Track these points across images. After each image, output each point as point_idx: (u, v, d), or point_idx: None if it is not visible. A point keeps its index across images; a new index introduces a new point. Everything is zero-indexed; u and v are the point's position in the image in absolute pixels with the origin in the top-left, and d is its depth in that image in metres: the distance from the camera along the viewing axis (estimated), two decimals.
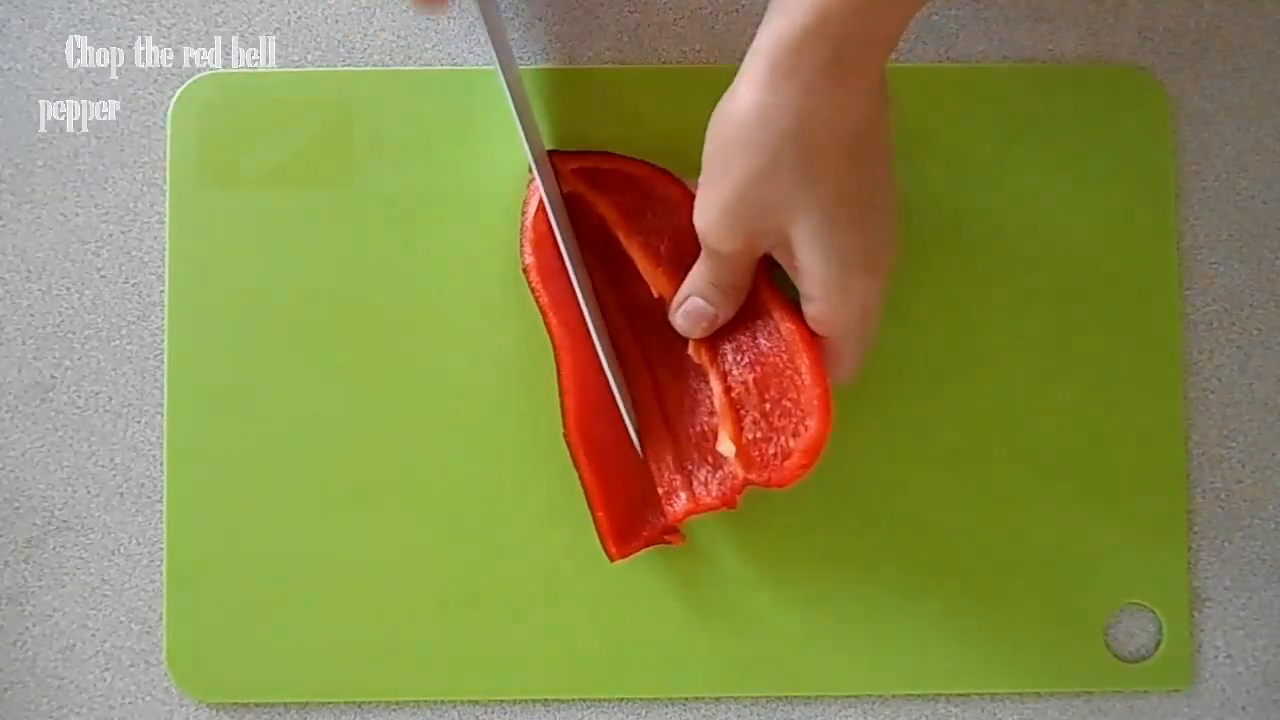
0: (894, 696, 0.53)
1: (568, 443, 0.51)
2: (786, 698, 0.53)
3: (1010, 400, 0.53)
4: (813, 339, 0.47)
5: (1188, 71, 0.55)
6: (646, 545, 0.51)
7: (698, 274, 0.49)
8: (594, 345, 0.51)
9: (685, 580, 0.52)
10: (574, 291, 0.51)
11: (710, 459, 0.51)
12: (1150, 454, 0.53)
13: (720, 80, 0.53)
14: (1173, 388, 0.53)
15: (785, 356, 0.48)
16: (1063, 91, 0.54)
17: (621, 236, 0.51)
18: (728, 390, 0.50)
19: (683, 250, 0.50)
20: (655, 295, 0.51)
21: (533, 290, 0.51)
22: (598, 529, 0.51)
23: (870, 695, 0.53)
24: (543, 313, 0.51)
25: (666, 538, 0.51)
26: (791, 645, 0.52)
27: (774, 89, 0.41)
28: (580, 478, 0.51)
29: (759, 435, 0.49)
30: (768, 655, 0.52)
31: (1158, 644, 0.53)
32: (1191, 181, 0.54)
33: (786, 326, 0.48)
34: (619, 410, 0.51)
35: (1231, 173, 0.54)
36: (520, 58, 0.54)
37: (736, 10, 0.55)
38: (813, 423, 0.47)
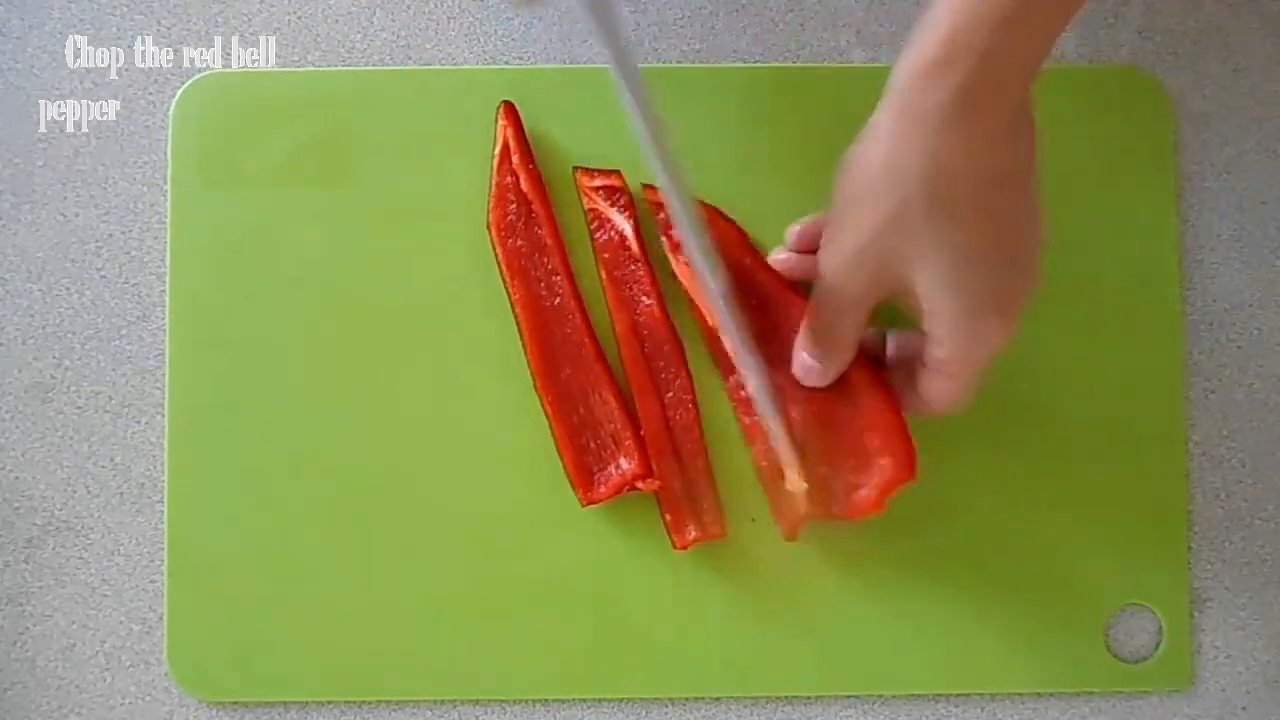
0: (894, 697, 0.53)
1: (538, 393, 0.51)
2: (786, 698, 0.53)
3: (1010, 400, 0.53)
4: (881, 379, 0.48)
5: (1188, 71, 0.55)
6: (616, 491, 0.51)
7: (805, 329, 0.47)
8: (552, 299, 0.52)
9: (685, 581, 0.52)
10: (534, 248, 0.52)
11: (716, 493, 0.52)
12: (1150, 454, 0.53)
13: (720, 80, 0.54)
14: (1173, 388, 0.53)
15: (839, 389, 0.48)
16: (1063, 91, 0.54)
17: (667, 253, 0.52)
18: (789, 426, 0.50)
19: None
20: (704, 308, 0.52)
21: (491, 245, 0.52)
22: (567, 476, 0.51)
23: (870, 695, 0.53)
24: (499, 266, 0.52)
25: (638, 484, 0.51)
26: (790, 646, 0.52)
27: (903, 128, 0.39)
28: (550, 427, 0.51)
29: (824, 471, 0.49)
30: (767, 656, 0.52)
31: (1158, 644, 0.53)
32: (1192, 181, 0.54)
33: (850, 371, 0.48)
34: (584, 359, 0.51)
35: (1232, 173, 0.54)
36: (520, 57, 0.54)
37: (736, 10, 0.55)
38: (888, 462, 0.48)
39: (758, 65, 0.54)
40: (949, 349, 0.44)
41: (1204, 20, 0.55)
